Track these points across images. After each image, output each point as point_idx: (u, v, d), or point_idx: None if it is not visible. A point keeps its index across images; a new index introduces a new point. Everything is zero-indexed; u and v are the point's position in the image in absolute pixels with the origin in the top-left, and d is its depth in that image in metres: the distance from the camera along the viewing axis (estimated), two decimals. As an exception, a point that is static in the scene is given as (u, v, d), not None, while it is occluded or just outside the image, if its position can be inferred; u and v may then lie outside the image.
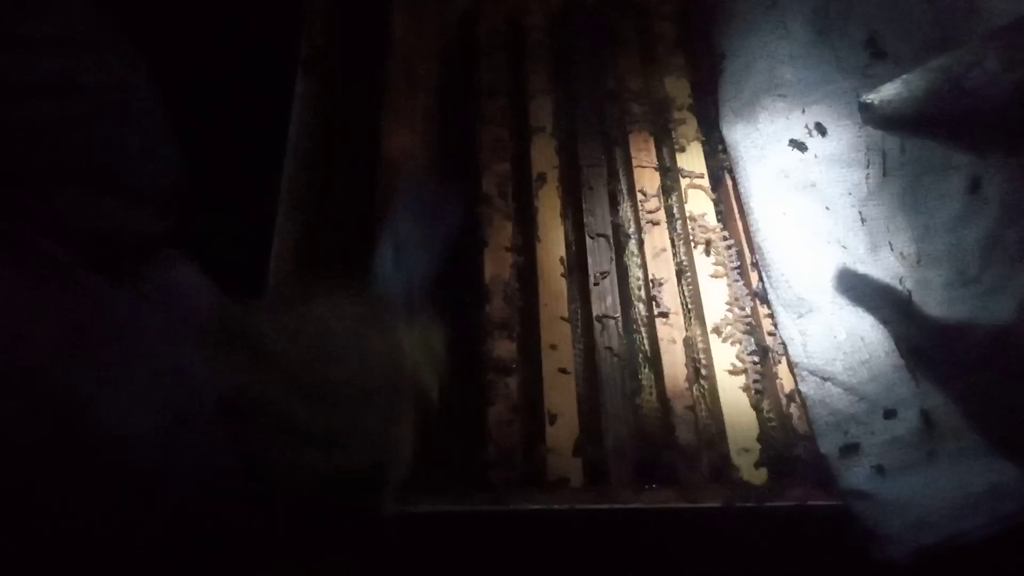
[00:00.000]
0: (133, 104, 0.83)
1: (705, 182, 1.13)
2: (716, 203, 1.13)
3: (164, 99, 0.87)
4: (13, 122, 0.72)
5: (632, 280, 1.08)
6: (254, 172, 1.12)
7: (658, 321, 1.01)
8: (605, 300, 1.04)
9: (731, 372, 0.98)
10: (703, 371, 1.00)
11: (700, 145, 1.17)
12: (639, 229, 1.10)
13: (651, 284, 1.04)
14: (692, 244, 1.07)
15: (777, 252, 1.03)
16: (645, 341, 1.03)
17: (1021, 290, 0.90)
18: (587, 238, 1.08)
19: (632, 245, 1.10)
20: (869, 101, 0.80)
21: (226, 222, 1.14)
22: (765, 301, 1.03)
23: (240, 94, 1.31)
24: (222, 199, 1.15)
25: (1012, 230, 0.92)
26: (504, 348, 0.99)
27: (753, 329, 1.02)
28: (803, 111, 1.08)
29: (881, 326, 0.95)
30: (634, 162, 1.15)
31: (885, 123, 0.81)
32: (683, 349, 0.99)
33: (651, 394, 0.99)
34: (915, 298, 0.96)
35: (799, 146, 1.05)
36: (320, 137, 1.14)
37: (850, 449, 0.90)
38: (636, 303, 1.07)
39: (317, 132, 1.14)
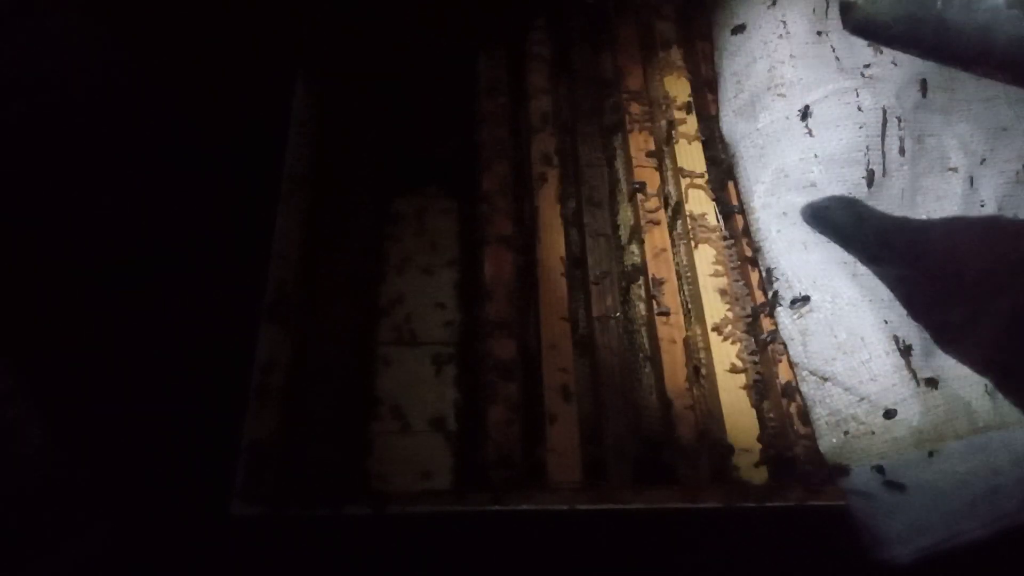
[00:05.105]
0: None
1: (705, 182, 1.13)
2: (717, 203, 1.12)
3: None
4: None
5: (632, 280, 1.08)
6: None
7: (658, 321, 1.01)
8: (605, 300, 1.04)
9: (731, 372, 0.98)
10: (703, 371, 0.99)
11: (700, 145, 1.16)
12: (639, 229, 1.10)
13: (651, 284, 1.04)
14: (692, 244, 1.07)
15: (777, 252, 1.03)
16: (645, 341, 1.03)
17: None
18: (587, 238, 1.08)
19: (632, 245, 1.10)
20: (852, 1, 0.74)
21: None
22: (765, 301, 1.03)
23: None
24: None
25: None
26: (504, 348, 0.99)
27: (753, 329, 1.02)
28: (803, 111, 1.08)
29: (882, 326, 0.95)
30: (634, 162, 1.14)
31: (862, 29, 0.77)
32: (683, 349, 0.99)
33: (651, 394, 0.99)
34: (915, 298, 0.96)
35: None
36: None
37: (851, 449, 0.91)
38: (636, 303, 1.07)
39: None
